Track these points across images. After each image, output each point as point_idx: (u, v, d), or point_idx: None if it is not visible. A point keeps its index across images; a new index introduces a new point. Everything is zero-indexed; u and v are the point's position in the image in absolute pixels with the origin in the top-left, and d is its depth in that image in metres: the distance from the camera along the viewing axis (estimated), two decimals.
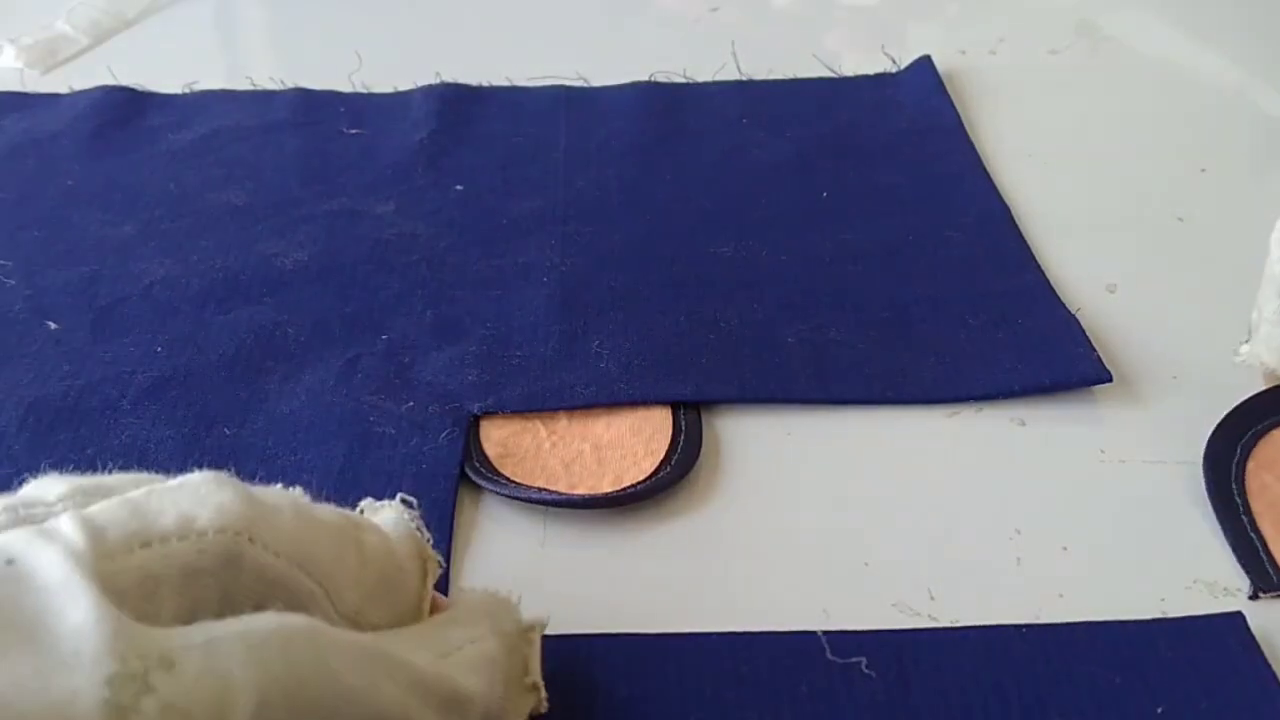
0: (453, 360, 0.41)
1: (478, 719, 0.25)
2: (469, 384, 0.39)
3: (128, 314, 0.43)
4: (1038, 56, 0.61)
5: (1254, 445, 0.36)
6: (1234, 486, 0.35)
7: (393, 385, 0.40)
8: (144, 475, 0.25)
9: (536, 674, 0.27)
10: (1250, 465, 0.36)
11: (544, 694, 0.27)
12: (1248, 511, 0.35)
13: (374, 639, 0.24)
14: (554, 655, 0.30)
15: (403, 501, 0.28)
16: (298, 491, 0.26)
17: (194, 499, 0.22)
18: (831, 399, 0.39)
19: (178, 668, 0.19)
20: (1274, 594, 0.32)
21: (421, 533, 0.28)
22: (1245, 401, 0.37)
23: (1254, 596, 0.32)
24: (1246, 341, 0.36)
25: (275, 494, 0.25)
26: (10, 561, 0.20)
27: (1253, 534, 0.34)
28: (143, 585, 0.21)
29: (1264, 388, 0.37)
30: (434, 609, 0.27)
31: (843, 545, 0.34)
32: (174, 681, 0.19)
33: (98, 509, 0.22)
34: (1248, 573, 0.33)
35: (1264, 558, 0.33)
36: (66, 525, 0.21)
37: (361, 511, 0.28)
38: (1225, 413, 0.37)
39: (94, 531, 0.21)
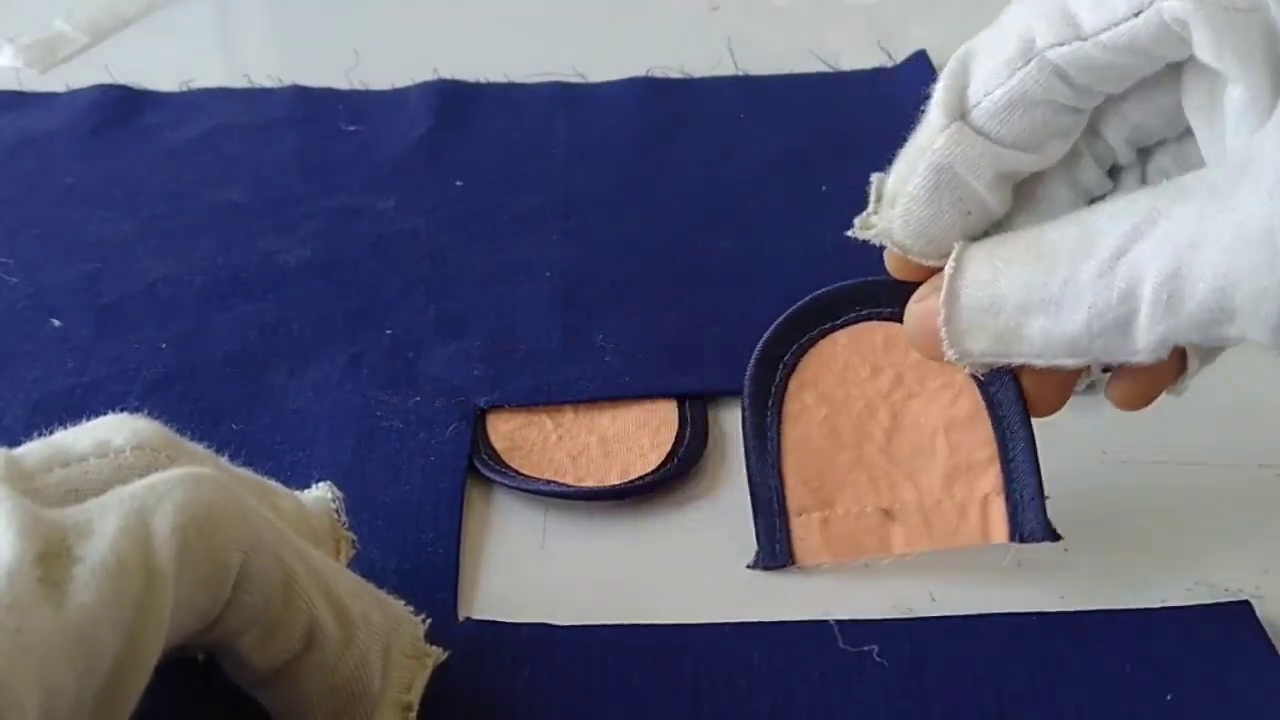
0: (457, 355, 0.41)
1: (359, 650, 0.25)
2: (474, 378, 0.40)
3: (131, 311, 0.43)
4: None
5: (805, 354, 0.33)
6: (769, 413, 0.32)
7: (398, 380, 0.40)
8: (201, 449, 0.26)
9: (415, 696, 0.27)
10: (793, 383, 0.33)
11: (414, 717, 0.27)
12: (777, 449, 0.32)
13: (272, 517, 0.24)
14: (565, 645, 0.30)
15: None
16: None
17: (109, 426, 0.24)
18: None
19: (96, 533, 0.20)
20: (775, 568, 0.32)
21: (339, 515, 0.29)
22: (809, 301, 0.33)
23: (753, 566, 0.32)
24: (874, 213, 0.30)
25: (191, 443, 0.25)
26: None
27: (774, 482, 0.32)
28: (65, 500, 0.21)
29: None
30: None
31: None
32: (95, 545, 0.20)
33: (18, 449, 0.23)
34: (757, 537, 0.33)
35: (777, 520, 0.32)
36: None
37: None
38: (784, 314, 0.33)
39: (11, 457, 0.22)
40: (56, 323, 0.43)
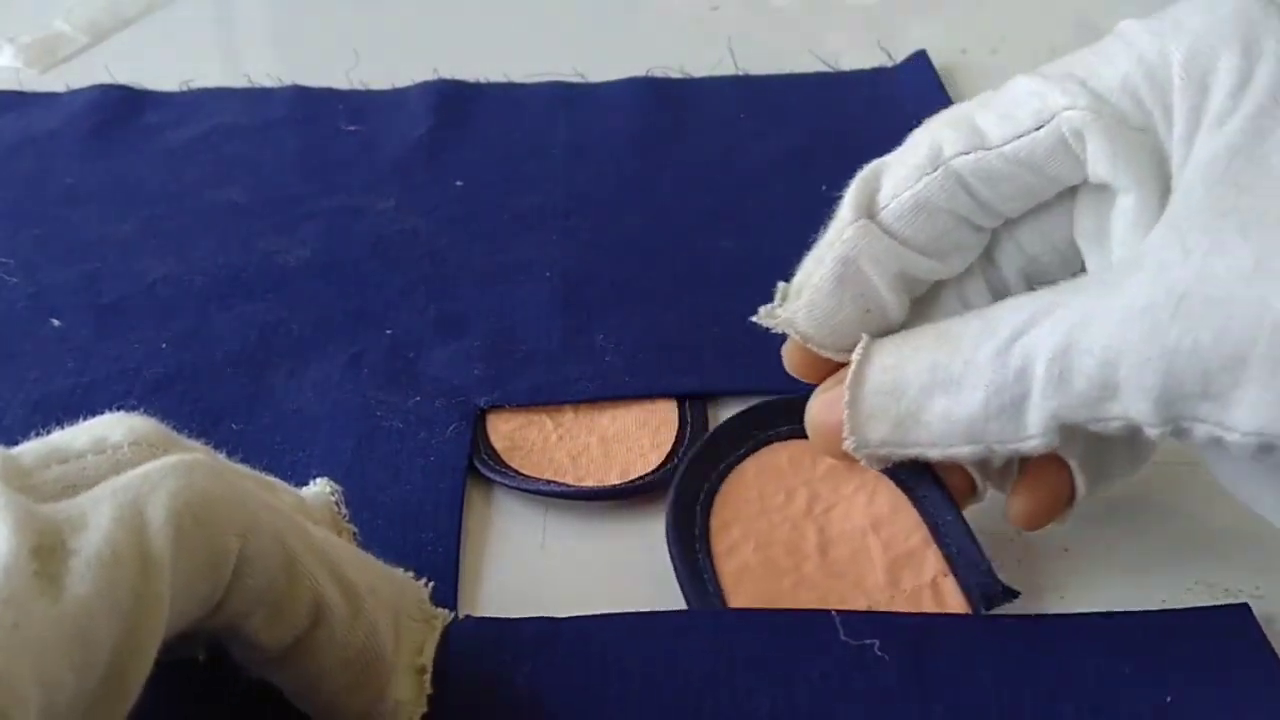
0: (457, 355, 0.41)
1: (367, 623, 0.25)
2: (474, 378, 0.40)
3: (131, 311, 0.43)
4: (1039, 55, 0.60)
5: (716, 493, 0.34)
6: (699, 556, 0.33)
7: (398, 380, 0.40)
8: (199, 444, 0.26)
9: (428, 658, 0.28)
10: (714, 523, 0.33)
11: (429, 679, 0.27)
12: (717, 588, 0.32)
13: (271, 499, 0.25)
14: (567, 639, 0.30)
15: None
16: None
17: (106, 424, 0.24)
18: None
19: (90, 524, 0.20)
20: None
21: (339, 507, 0.29)
22: (709, 439, 0.34)
23: None
24: (779, 306, 0.32)
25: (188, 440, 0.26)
26: None
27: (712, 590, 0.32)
28: (61, 496, 0.21)
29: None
30: None
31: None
32: (89, 537, 0.20)
33: (15, 449, 0.23)
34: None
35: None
36: None
37: None
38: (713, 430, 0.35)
39: (7, 456, 0.22)
40: (56, 323, 0.43)
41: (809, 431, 0.31)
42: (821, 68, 0.60)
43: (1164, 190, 0.27)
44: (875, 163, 0.30)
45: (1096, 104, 0.27)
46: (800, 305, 0.31)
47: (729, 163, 0.53)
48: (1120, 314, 0.25)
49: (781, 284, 0.32)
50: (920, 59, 0.59)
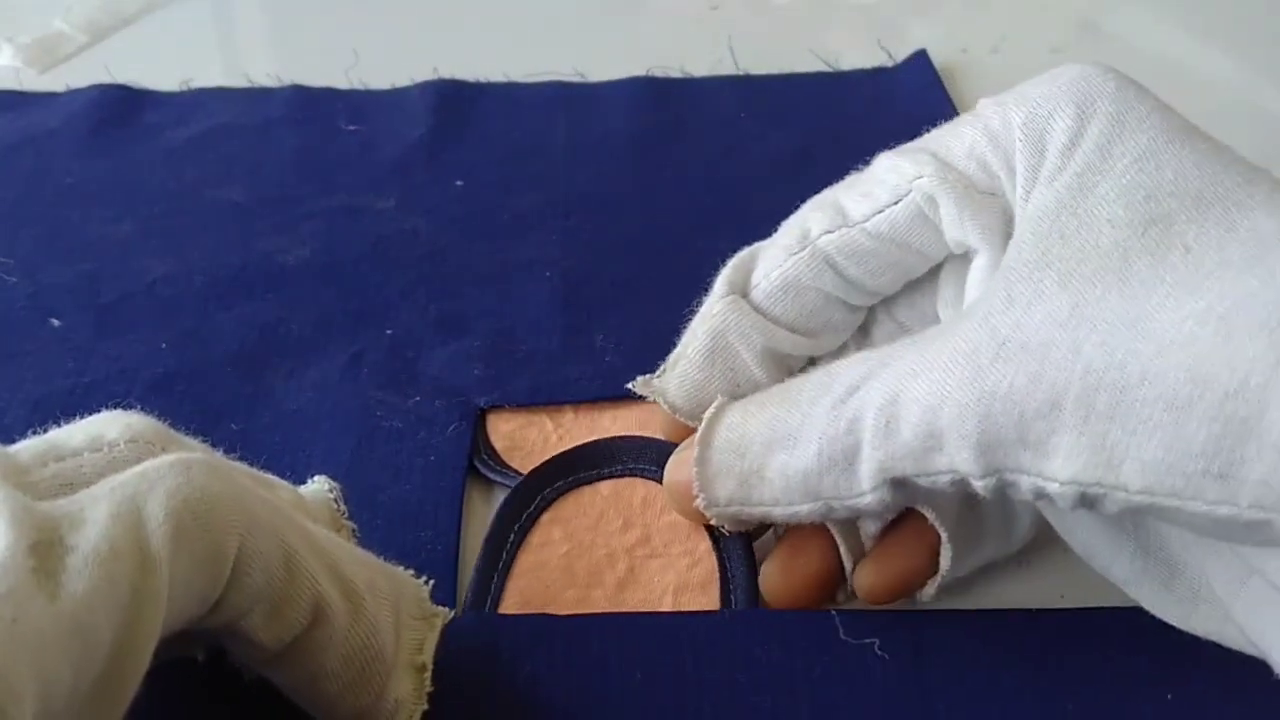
0: (457, 355, 0.41)
1: (368, 622, 0.25)
2: (474, 378, 0.40)
3: (131, 311, 0.44)
4: (1040, 55, 0.61)
5: (566, 493, 0.34)
6: (512, 534, 0.33)
7: (398, 380, 0.40)
8: (195, 442, 0.26)
9: (428, 656, 0.28)
10: (545, 516, 0.34)
11: (429, 677, 0.27)
12: (506, 569, 0.33)
13: (274, 499, 0.25)
14: (566, 637, 0.30)
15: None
16: None
17: (103, 422, 0.24)
18: None
19: (88, 521, 0.20)
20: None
21: (338, 505, 0.29)
22: (587, 444, 0.35)
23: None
24: (658, 375, 0.33)
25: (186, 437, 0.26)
26: None
27: (494, 594, 0.32)
28: (59, 493, 0.22)
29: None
30: None
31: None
32: (87, 533, 0.20)
33: (13, 446, 0.23)
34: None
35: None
36: None
37: None
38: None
39: (4, 453, 0.22)
40: (56, 322, 0.43)
41: (665, 487, 0.31)
42: (822, 67, 0.60)
43: (1006, 244, 0.28)
44: (751, 247, 0.32)
45: (944, 170, 0.28)
46: (673, 377, 0.32)
47: (729, 163, 0.53)
48: (945, 361, 0.26)
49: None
50: (921, 59, 0.59)
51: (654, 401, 0.33)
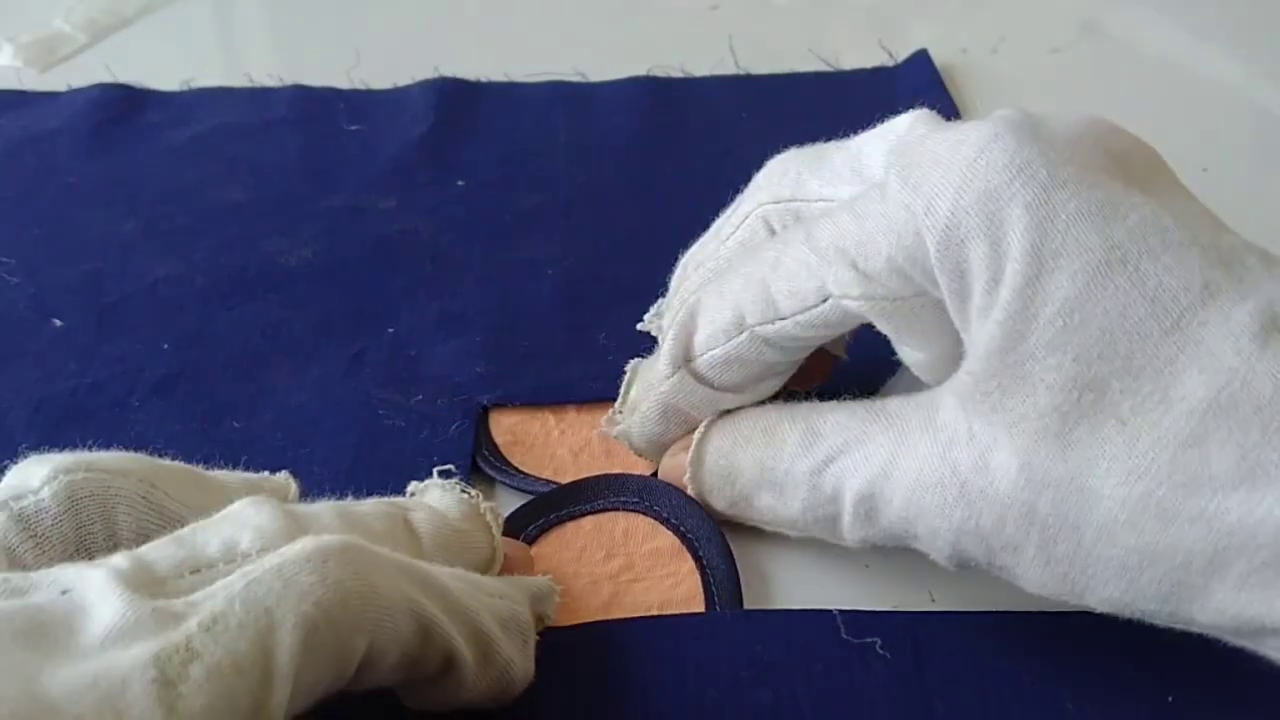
0: (459, 353, 0.41)
1: (500, 666, 0.26)
2: (477, 376, 0.40)
3: (133, 311, 0.44)
4: (1039, 55, 0.61)
5: (550, 530, 0.34)
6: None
7: (400, 379, 0.40)
8: (127, 454, 0.26)
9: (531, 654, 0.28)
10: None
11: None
12: None
13: (412, 560, 0.24)
14: (569, 639, 0.30)
15: (441, 474, 0.31)
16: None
17: (235, 525, 0.23)
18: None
19: (218, 625, 0.20)
20: None
21: (468, 493, 0.30)
22: (570, 484, 0.35)
23: None
24: (621, 410, 0.35)
25: (315, 505, 0.26)
26: (65, 591, 0.20)
27: None
28: (193, 589, 0.21)
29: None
30: (509, 560, 0.30)
31: (845, 547, 0.34)
32: (216, 639, 0.20)
33: (146, 547, 0.22)
34: None
35: None
36: (116, 557, 0.22)
37: (412, 495, 0.30)
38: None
39: (142, 563, 0.22)
40: (58, 323, 0.43)
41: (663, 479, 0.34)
42: (822, 67, 0.60)
43: (952, 336, 0.28)
44: (692, 304, 0.32)
45: (869, 289, 0.28)
46: (634, 424, 0.34)
47: (729, 162, 0.52)
48: (914, 479, 0.27)
49: (630, 365, 0.35)
50: (921, 58, 0.59)
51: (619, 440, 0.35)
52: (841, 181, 0.32)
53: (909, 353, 0.30)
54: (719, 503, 0.32)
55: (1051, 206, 0.25)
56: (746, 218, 0.35)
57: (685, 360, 0.32)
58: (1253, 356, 0.23)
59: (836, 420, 0.29)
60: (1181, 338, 0.24)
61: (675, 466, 0.33)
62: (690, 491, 0.33)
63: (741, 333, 0.30)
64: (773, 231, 0.34)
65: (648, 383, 0.33)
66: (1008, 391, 0.25)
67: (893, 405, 0.29)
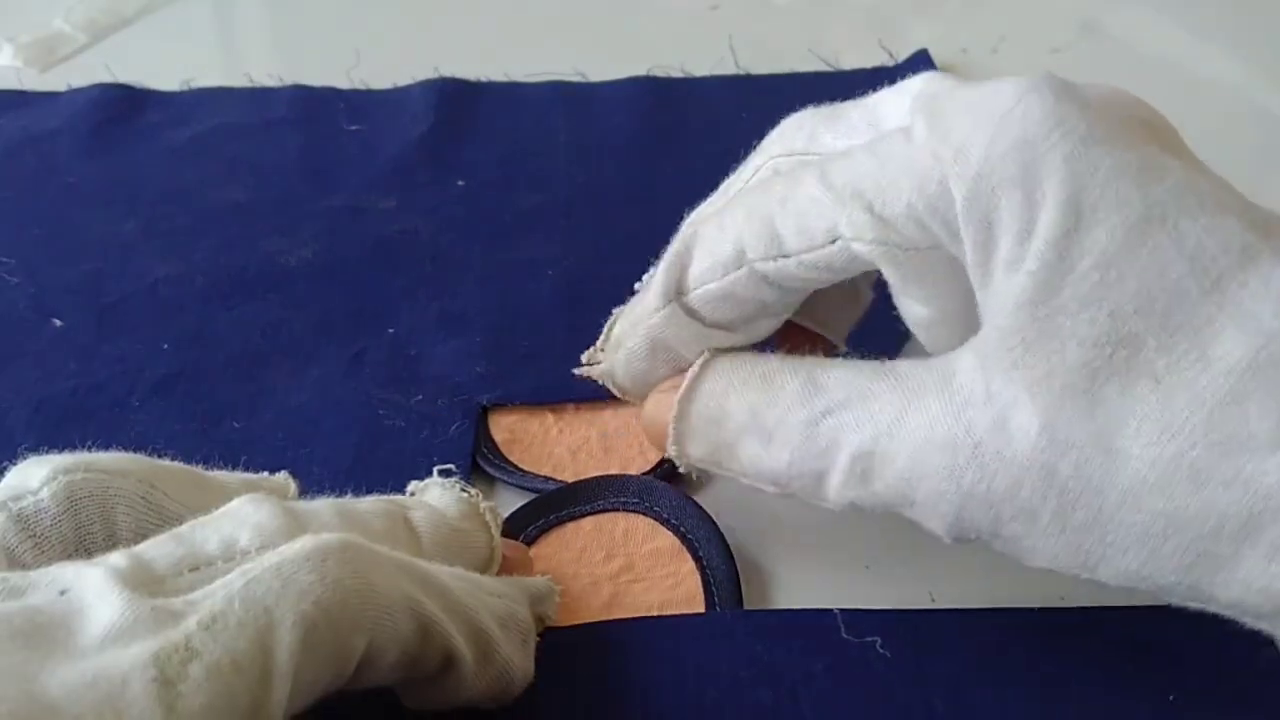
0: (459, 353, 0.41)
1: (499, 665, 0.26)
2: (477, 375, 0.40)
3: (133, 311, 0.44)
4: (1040, 55, 0.61)
5: (549, 530, 0.34)
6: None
7: (400, 379, 0.40)
8: (126, 455, 0.26)
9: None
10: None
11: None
12: None
13: (411, 559, 0.24)
14: (569, 639, 0.30)
15: (441, 473, 0.30)
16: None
17: (234, 523, 0.23)
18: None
19: (217, 623, 0.20)
20: None
21: (467, 492, 0.29)
22: (567, 486, 0.35)
23: None
24: (602, 349, 0.34)
25: (314, 502, 0.26)
26: (64, 591, 0.20)
27: None
28: (192, 587, 0.21)
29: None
30: (507, 561, 0.30)
31: (845, 547, 0.34)
32: (215, 638, 0.20)
33: (145, 545, 0.22)
34: None
35: None
36: (114, 555, 0.22)
37: (412, 494, 0.30)
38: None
39: (141, 561, 0.22)
40: (58, 323, 0.43)
41: (642, 423, 0.32)
42: (822, 67, 0.60)
43: (961, 297, 0.27)
44: (687, 234, 0.31)
45: (883, 234, 0.27)
46: (618, 361, 0.32)
47: (729, 162, 0.52)
48: (923, 437, 0.26)
49: (616, 311, 0.34)
50: (921, 58, 0.59)
51: (600, 383, 0.34)
52: (858, 135, 0.31)
53: (910, 306, 0.29)
54: (699, 448, 0.30)
55: (1090, 160, 0.24)
56: (757, 170, 0.33)
57: (678, 293, 0.31)
58: None
59: (841, 375, 0.28)
60: (1221, 298, 0.23)
61: (661, 403, 0.31)
62: (671, 432, 0.30)
63: (740, 267, 0.29)
64: None
65: (634, 318, 0.32)
66: (1032, 348, 0.25)
67: (903, 366, 0.27)
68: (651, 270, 0.34)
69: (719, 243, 0.30)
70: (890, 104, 0.31)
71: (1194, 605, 0.25)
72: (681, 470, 0.31)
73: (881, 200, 0.27)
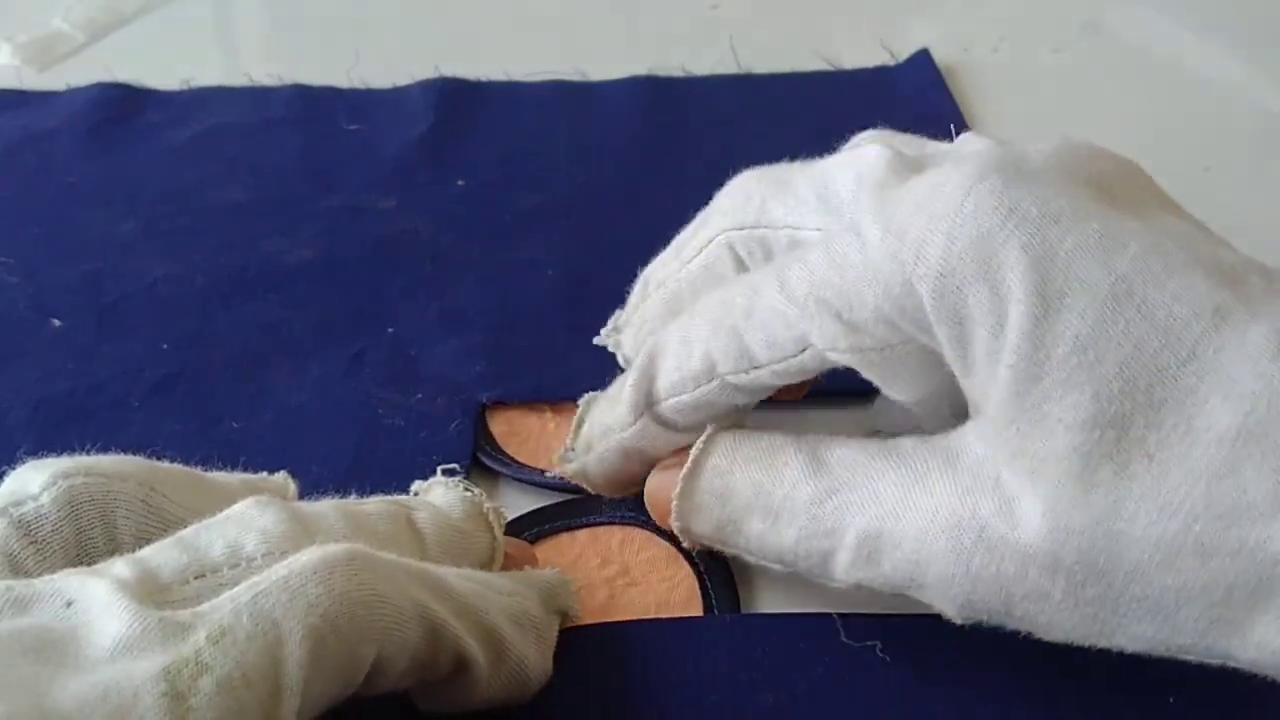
0: (459, 352, 0.41)
1: (513, 664, 0.26)
2: (476, 375, 0.40)
3: (133, 311, 0.44)
4: (1040, 54, 0.61)
5: (543, 539, 0.34)
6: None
7: (400, 378, 0.40)
8: (126, 458, 0.26)
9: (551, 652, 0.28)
10: None
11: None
12: None
13: (419, 564, 0.24)
14: (565, 637, 0.30)
15: (445, 473, 0.31)
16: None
17: (239, 527, 0.23)
18: (836, 389, 0.39)
19: (226, 637, 0.20)
20: None
21: (471, 492, 0.29)
22: (564, 500, 0.35)
23: None
24: (572, 449, 0.34)
25: (319, 504, 0.26)
26: (70, 603, 0.20)
27: None
28: (200, 598, 0.21)
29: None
30: (510, 560, 0.30)
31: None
32: (225, 652, 0.20)
33: (149, 551, 0.22)
34: None
35: None
36: (118, 564, 0.22)
37: (415, 494, 0.30)
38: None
39: (146, 570, 0.22)
40: (57, 323, 0.43)
41: (646, 498, 0.32)
42: (823, 66, 0.60)
43: (942, 377, 0.27)
44: (651, 348, 0.31)
45: (856, 340, 0.27)
46: (591, 462, 0.33)
47: (729, 162, 0.52)
48: (928, 520, 0.26)
49: (585, 399, 0.34)
50: (923, 58, 0.59)
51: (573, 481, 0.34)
52: (807, 209, 0.31)
53: (894, 394, 0.28)
54: (704, 525, 0.30)
55: (1048, 244, 0.24)
56: (710, 242, 0.34)
57: (648, 405, 0.31)
58: (1274, 378, 0.22)
59: (844, 454, 0.28)
60: (1199, 366, 0.23)
61: (666, 480, 0.31)
62: (675, 509, 0.30)
63: (712, 380, 0.29)
64: (738, 259, 0.33)
65: (606, 426, 0.32)
66: (1026, 436, 0.24)
67: (906, 445, 0.27)
68: (611, 324, 0.37)
69: (686, 358, 0.30)
70: (839, 172, 0.31)
71: (1215, 663, 0.25)
72: (685, 546, 0.32)
73: (848, 307, 0.26)
